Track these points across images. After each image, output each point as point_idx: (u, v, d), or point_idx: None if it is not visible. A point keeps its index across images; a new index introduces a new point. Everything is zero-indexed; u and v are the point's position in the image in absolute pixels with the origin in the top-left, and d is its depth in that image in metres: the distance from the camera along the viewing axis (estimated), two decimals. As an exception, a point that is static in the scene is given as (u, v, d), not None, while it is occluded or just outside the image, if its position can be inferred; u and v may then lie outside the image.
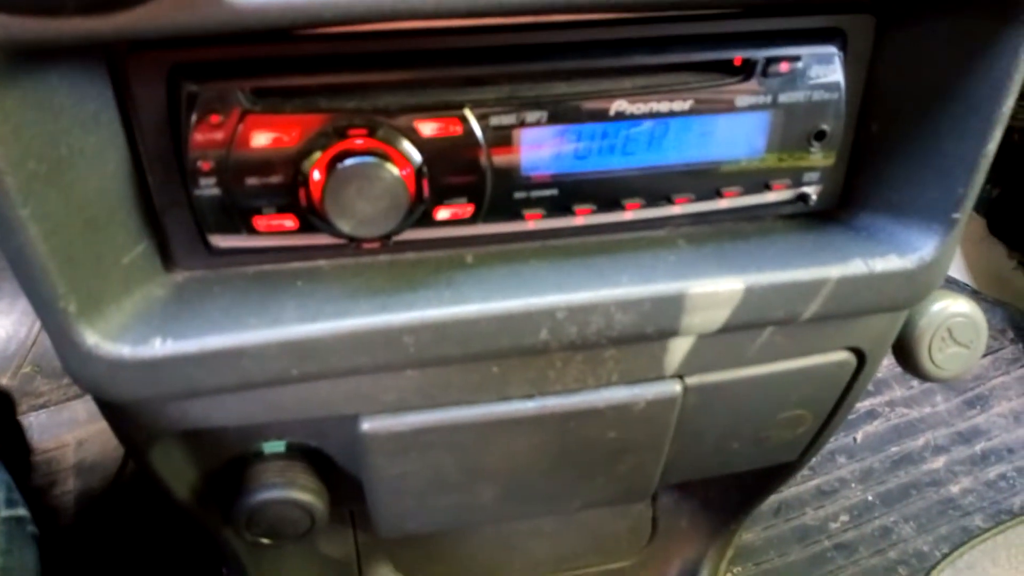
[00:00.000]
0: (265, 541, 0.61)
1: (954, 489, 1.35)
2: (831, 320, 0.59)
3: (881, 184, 0.57)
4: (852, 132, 0.57)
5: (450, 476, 0.61)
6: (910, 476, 1.38)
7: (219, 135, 0.45)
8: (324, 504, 0.60)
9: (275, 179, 0.47)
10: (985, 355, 1.57)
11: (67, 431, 1.21)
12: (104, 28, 0.36)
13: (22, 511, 0.63)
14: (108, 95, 0.44)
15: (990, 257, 1.70)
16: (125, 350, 0.46)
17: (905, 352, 0.68)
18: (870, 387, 1.46)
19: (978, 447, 1.43)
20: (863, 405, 1.49)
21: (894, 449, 1.42)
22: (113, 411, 0.53)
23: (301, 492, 0.58)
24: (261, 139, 0.46)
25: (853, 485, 1.35)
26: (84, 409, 1.21)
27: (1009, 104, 0.50)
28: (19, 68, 0.38)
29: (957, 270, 1.74)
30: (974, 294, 1.71)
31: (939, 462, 1.40)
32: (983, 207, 1.66)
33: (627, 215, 0.54)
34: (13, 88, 0.38)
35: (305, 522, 0.60)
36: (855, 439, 1.43)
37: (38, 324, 1.17)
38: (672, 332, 0.54)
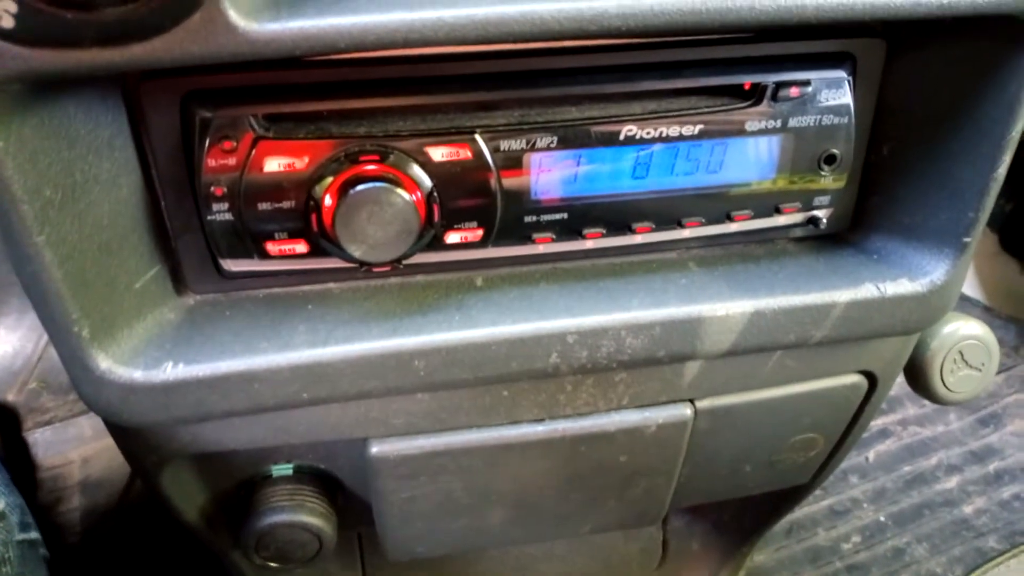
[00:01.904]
0: (273, 565, 0.61)
1: (968, 509, 1.34)
2: (842, 343, 0.59)
3: (892, 207, 0.57)
4: (863, 155, 0.57)
5: (460, 499, 0.61)
6: (923, 496, 1.37)
7: (232, 161, 0.46)
8: (333, 527, 0.60)
9: (287, 204, 0.47)
10: (998, 372, 1.56)
11: (73, 448, 1.21)
12: (120, 59, 0.36)
13: (34, 534, 0.63)
14: (122, 121, 0.45)
15: (1003, 273, 1.69)
16: (137, 374, 0.46)
17: (917, 375, 0.68)
18: (883, 405, 1.45)
19: (992, 467, 1.42)
20: (875, 424, 1.48)
21: (907, 469, 1.41)
22: (124, 434, 0.53)
23: (310, 515, 0.58)
24: (273, 165, 0.46)
25: (865, 505, 1.34)
26: (90, 426, 1.22)
27: (1019, 128, 0.50)
28: (36, 97, 0.38)
29: (969, 286, 1.73)
30: (986, 310, 1.70)
31: (952, 482, 1.39)
32: (996, 222, 1.65)
33: (637, 238, 0.54)
34: (31, 117, 0.38)
35: (313, 545, 0.60)
36: (867, 458, 1.42)
37: (44, 340, 1.18)
38: (683, 356, 0.54)
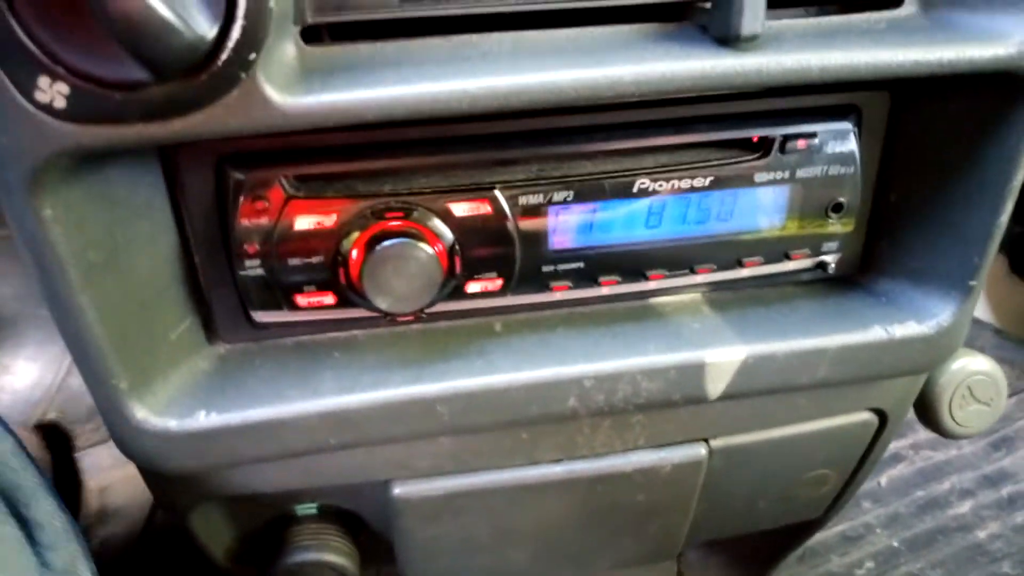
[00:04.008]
0: (298, 602, 0.62)
1: (981, 534, 1.33)
2: (853, 382, 0.61)
3: (899, 251, 0.59)
4: (870, 201, 0.59)
5: (480, 539, 0.62)
6: (936, 521, 1.36)
7: (264, 219, 0.48)
8: (356, 565, 0.61)
9: (316, 259, 0.49)
10: (1010, 396, 1.56)
11: (90, 477, 1.22)
12: (163, 133, 0.38)
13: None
14: (160, 185, 0.47)
15: (1013, 295, 1.69)
16: (172, 423, 0.48)
17: (926, 411, 0.69)
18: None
19: (1005, 491, 1.41)
20: (888, 448, 1.47)
21: (920, 493, 1.40)
22: (157, 479, 0.55)
23: (334, 555, 0.59)
24: (303, 222, 0.48)
25: (878, 531, 1.34)
26: (108, 455, 1.23)
27: (1019, 179, 0.51)
28: (82, 167, 0.41)
29: (980, 309, 1.73)
30: (997, 333, 1.70)
31: (966, 506, 1.38)
32: (1005, 245, 1.65)
33: (651, 284, 0.56)
34: (76, 186, 0.41)
35: (338, 583, 0.61)
36: (880, 483, 1.42)
37: (63, 370, 1.19)
38: (698, 398, 0.55)
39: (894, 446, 1.48)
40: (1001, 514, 1.37)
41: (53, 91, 0.36)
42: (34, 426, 1.12)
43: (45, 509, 0.53)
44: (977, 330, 1.69)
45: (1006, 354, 1.65)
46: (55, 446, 1.13)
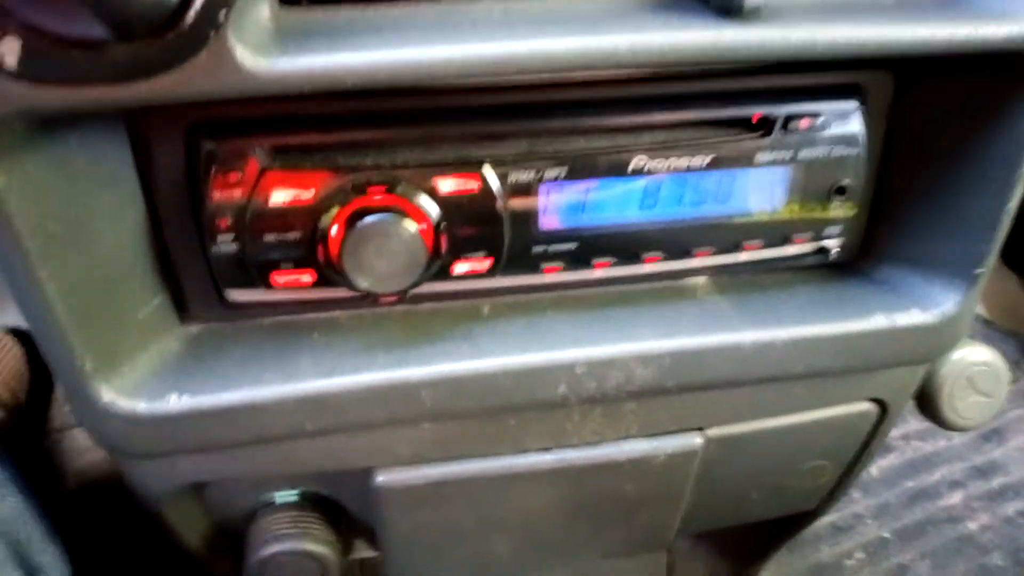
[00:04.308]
0: (277, 593, 0.60)
1: (972, 526, 1.33)
2: (853, 371, 0.59)
3: (903, 237, 0.57)
4: (873, 185, 0.57)
5: (465, 528, 0.61)
6: (926, 512, 1.36)
7: (237, 192, 0.45)
8: (337, 555, 0.59)
9: (293, 235, 0.47)
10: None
11: (69, 460, 1.20)
12: (126, 96, 0.36)
13: None
14: (126, 154, 0.44)
15: (1003, 287, 1.68)
16: (141, 406, 0.46)
17: (926, 401, 0.67)
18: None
19: (995, 482, 1.41)
20: (882, 439, 1.47)
21: (910, 484, 1.40)
22: (127, 464, 0.53)
23: (314, 543, 0.57)
24: (280, 196, 0.46)
25: (868, 521, 1.33)
26: (85, 438, 1.20)
27: (1029, 164, 0.49)
28: (39, 133, 0.38)
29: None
30: (986, 324, 1.70)
31: (956, 497, 1.38)
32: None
33: (646, 268, 0.54)
34: (33, 153, 0.38)
35: (317, 573, 0.59)
36: (870, 473, 1.41)
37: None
38: (693, 386, 0.53)
39: (885, 436, 1.48)
40: (991, 505, 1.36)
41: (4, 47, 0.33)
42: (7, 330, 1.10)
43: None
44: (968, 322, 1.68)
45: (995, 345, 1.65)
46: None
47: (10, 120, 0.36)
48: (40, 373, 1.13)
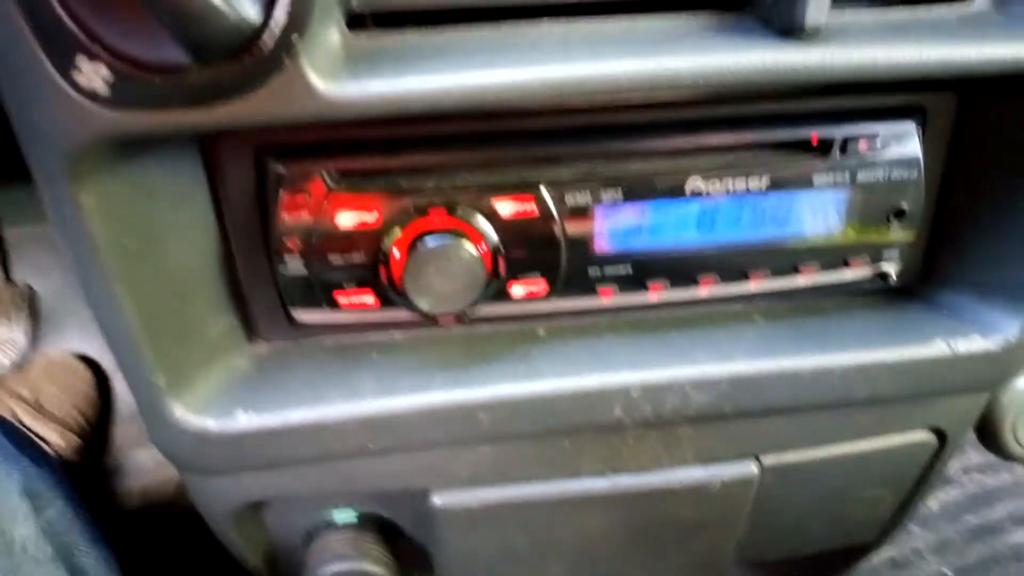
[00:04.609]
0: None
1: (1037, 564, 1.28)
2: (912, 399, 0.58)
3: (964, 262, 0.56)
4: (933, 208, 0.56)
5: (520, 551, 0.60)
6: (990, 548, 1.31)
7: (304, 214, 0.47)
8: (393, 575, 0.60)
9: (357, 257, 0.48)
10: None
11: (134, 479, 1.22)
12: (204, 119, 0.37)
13: None
14: (199, 175, 0.46)
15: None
16: (210, 423, 0.47)
17: (987, 431, 0.65)
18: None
19: (1061, 519, 1.35)
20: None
21: (971, 519, 1.35)
22: (195, 480, 0.54)
23: (372, 564, 0.58)
24: (345, 218, 0.47)
25: (928, 557, 1.29)
26: (149, 456, 1.23)
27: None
28: (122, 155, 0.40)
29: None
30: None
31: (1021, 534, 1.33)
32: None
33: (702, 291, 0.53)
34: (115, 174, 0.40)
35: (374, 594, 0.59)
36: (930, 507, 1.37)
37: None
38: (750, 411, 0.53)
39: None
40: (1057, 543, 1.31)
41: (92, 73, 0.35)
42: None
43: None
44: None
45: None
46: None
47: (96, 144, 0.37)
48: (105, 396, 1.17)
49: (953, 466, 1.43)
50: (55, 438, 1.02)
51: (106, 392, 1.17)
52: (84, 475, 1.09)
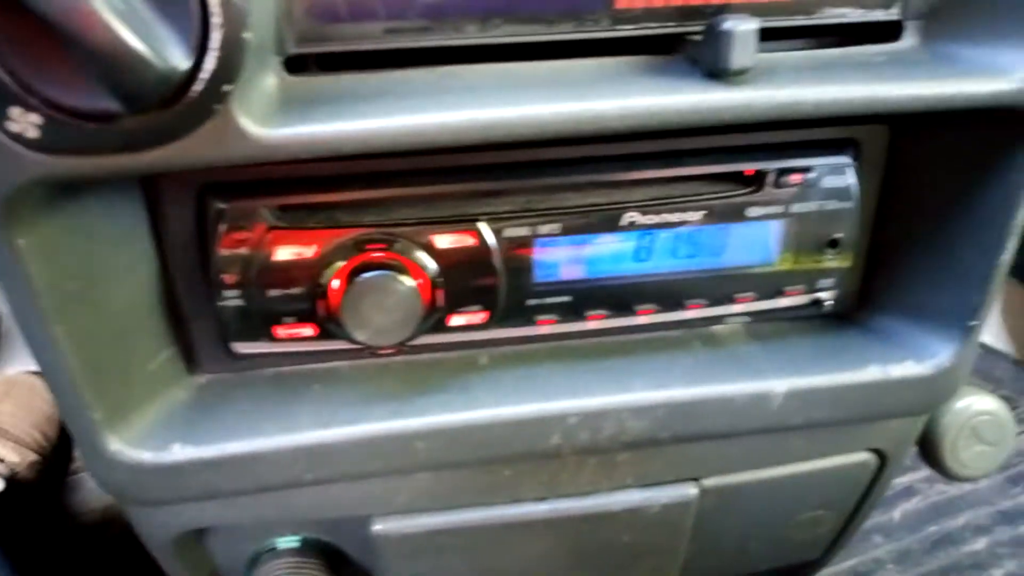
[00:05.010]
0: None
1: (997, 573, 1.30)
2: (850, 423, 0.59)
3: (898, 288, 0.57)
4: (869, 236, 0.57)
5: (464, 577, 0.61)
6: (950, 558, 1.33)
7: (244, 249, 0.47)
8: (338, 602, 0.60)
9: (295, 290, 0.49)
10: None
11: (93, 499, 1.22)
12: (138, 164, 0.38)
13: None
14: (140, 214, 0.46)
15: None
16: (146, 455, 0.47)
17: (929, 451, 0.67)
18: (908, 462, 1.41)
19: (1022, 528, 1.37)
20: (901, 481, 1.44)
21: (933, 528, 1.37)
22: (132, 510, 0.54)
23: (315, 590, 0.58)
24: (284, 253, 0.48)
25: (890, 567, 1.30)
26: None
27: (1021, 217, 0.50)
28: (59, 198, 0.40)
29: (999, 339, 1.70)
30: (1016, 364, 1.67)
31: (981, 543, 1.35)
32: (1022, 273, 1.63)
33: (640, 319, 0.55)
34: (53, 216, 0.40)
35: (319, 619, 0.60)
36: (892, 517, 1.39)
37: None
38: (687, 437, 0.54)
39: (907, 479, 1.45)
40: (1018, 552, 1.33)
41: (25, 121, 0.36)
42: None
43: None
44: (994, 360, 1.66)
45: (1025, 387, 1.62)
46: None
47: (30, 187, 0.38)
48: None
49: (917, 476, 1.45)
50: (10, 455, 1.02)
51: None
52: (41, 492, 1.08)
